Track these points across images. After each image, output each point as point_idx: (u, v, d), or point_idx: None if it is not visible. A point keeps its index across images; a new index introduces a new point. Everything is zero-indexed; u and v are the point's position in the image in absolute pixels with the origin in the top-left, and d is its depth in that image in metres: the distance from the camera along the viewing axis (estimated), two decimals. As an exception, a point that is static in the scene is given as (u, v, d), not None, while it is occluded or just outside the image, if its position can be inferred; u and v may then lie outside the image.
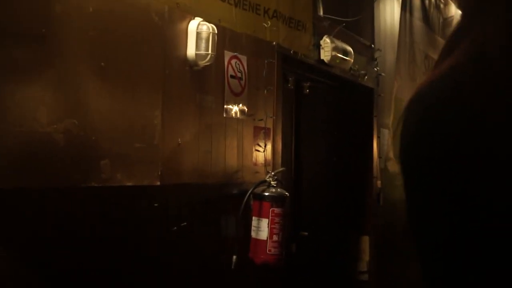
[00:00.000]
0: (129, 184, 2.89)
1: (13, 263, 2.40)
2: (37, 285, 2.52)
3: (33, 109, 2.44)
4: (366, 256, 5.59)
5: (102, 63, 2.75)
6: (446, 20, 7.50)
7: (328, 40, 4.73)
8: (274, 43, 3.93)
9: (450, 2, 7.61)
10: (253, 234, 3.55)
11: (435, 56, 6.91)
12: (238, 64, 3.67)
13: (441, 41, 7.33)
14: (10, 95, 2.36)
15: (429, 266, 0.86)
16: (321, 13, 4.91)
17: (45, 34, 2.48)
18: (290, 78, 4.84)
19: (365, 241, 5.61)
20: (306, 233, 4.98)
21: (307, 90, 5.15)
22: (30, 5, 2.44)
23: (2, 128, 2.32)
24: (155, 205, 3.02)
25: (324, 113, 5.58)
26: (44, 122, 2.47)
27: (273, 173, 3.71)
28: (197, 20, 3.26)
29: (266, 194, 3.56)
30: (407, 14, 6.25)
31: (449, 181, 0.83)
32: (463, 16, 0.94)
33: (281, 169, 3.91)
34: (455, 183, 0.82)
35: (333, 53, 4.75)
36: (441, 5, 7.30)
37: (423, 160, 0.91)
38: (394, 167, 6.08)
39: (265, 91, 3.92)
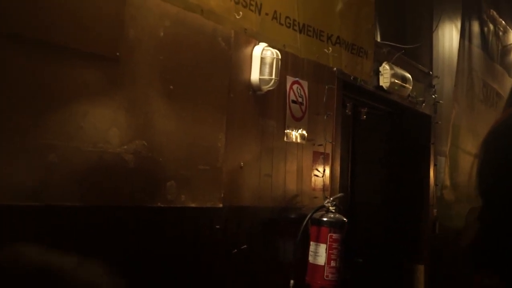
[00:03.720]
0: (193, 205, 2.93)
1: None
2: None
3: (105, 130, 2.51)
4: (421, 286, 5.50)
5: (171, 86, 2.81)
6: (505, 48, 7.39)
7: (387, 67, 4.73)
8: (335, 68, 3.95)
9: (509, 29, 7.51)
10: (310, 259, 3.54)
11: (493, 83, 6.83)
12: (299, 89, 3.70)
13: (499, 69, 7.22)
14: (84, 115, 2.43)
15: None
16: (379, 39, 4.92)
17: (119, 57, 2.56)
18: (348, 104, 4.85)
19: (420, 270, 5.52)
20: (361, 260, 4.94)
21: (364, 116, 5.14)
22: (106, 29, 2.52)
23: (75, 146, 2.39)
24: (217, 227, 3.06)
25: (380, 139, 5.55)
26: (115, 142, 2.54)
27: (331, 198, 3.70)
28: (262, 45, 3.32)
29: (325, 219, 3.55)
30: (466, 41, 6.18)
31: None
32: None
33: (340, 194, 3.90)
34: None
35: (392, 79, 4.74)
36: (500, 33, 7.20)
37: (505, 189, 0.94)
38: (450, 195, 5.99)
39: (325, 117, 3.93)
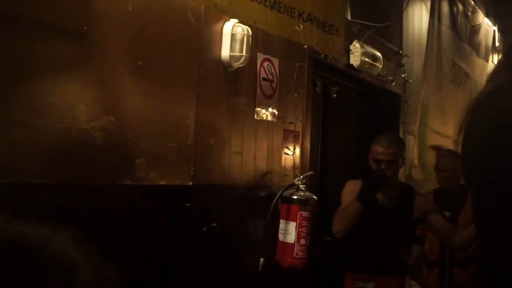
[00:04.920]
0: (162, 183, 2.90)
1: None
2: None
3: (72, 106, 2.45)
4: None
5: (140, 62, 2.76)
6: (474, 28, 7.46)
7: (358, 45, 4.72)
8: (305, 46, 3.92)
9: (478, 10, 7.57)
10: (280, 237, 3.54)
11: (462, 63, 6.88)
12: (270, 66, 3.67)
13: (468, 49, 7.28)
14: (51, 91, 2.37)
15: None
16: (349, 17, 4.90)
17: (86, 31, 2.50)
18: (318, 82, 4.83)
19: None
20: (330, 238, 4.96)
21: (335, 95, 5.13)
22: (73, 2, 2.46)
23: (43, 123, 2.33)
24: (187, 205, 3.03)
25: (350, 118, 5.56)
26: (83, 119, 2.49)
27: (301, 176, 3.69)
28: (232, 21, 3.27)
29: (295, 197, 3.55)
30: (436, 21, 6.21)
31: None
32: None
33: (309, 172, 3.90)
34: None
35: (363, 58, 4.74)
36: (469, 13, 7.26)
37: (494, 162, 0.92)
38: (418, 174, 6.05)
39: (295, 94, 3.91)
